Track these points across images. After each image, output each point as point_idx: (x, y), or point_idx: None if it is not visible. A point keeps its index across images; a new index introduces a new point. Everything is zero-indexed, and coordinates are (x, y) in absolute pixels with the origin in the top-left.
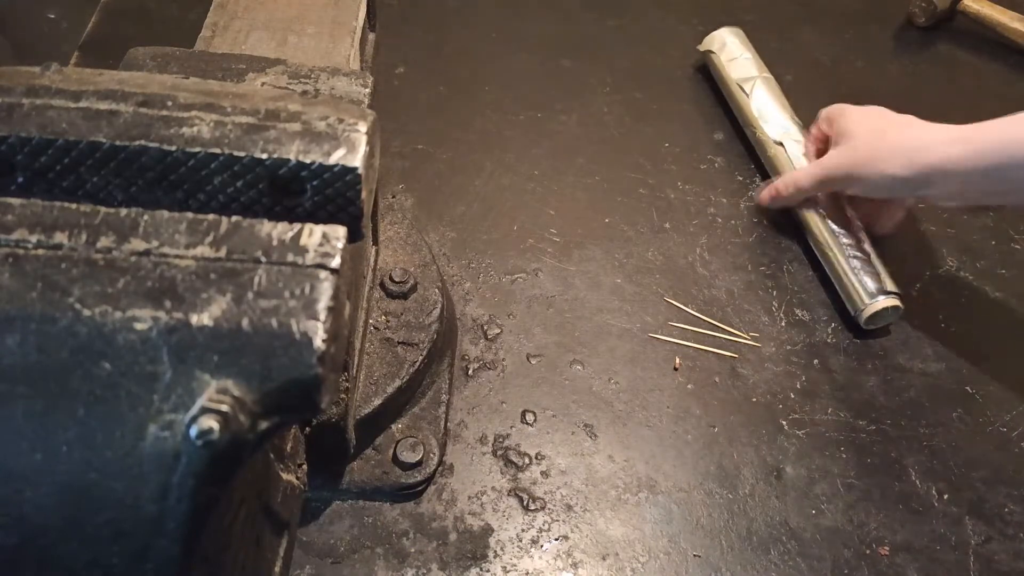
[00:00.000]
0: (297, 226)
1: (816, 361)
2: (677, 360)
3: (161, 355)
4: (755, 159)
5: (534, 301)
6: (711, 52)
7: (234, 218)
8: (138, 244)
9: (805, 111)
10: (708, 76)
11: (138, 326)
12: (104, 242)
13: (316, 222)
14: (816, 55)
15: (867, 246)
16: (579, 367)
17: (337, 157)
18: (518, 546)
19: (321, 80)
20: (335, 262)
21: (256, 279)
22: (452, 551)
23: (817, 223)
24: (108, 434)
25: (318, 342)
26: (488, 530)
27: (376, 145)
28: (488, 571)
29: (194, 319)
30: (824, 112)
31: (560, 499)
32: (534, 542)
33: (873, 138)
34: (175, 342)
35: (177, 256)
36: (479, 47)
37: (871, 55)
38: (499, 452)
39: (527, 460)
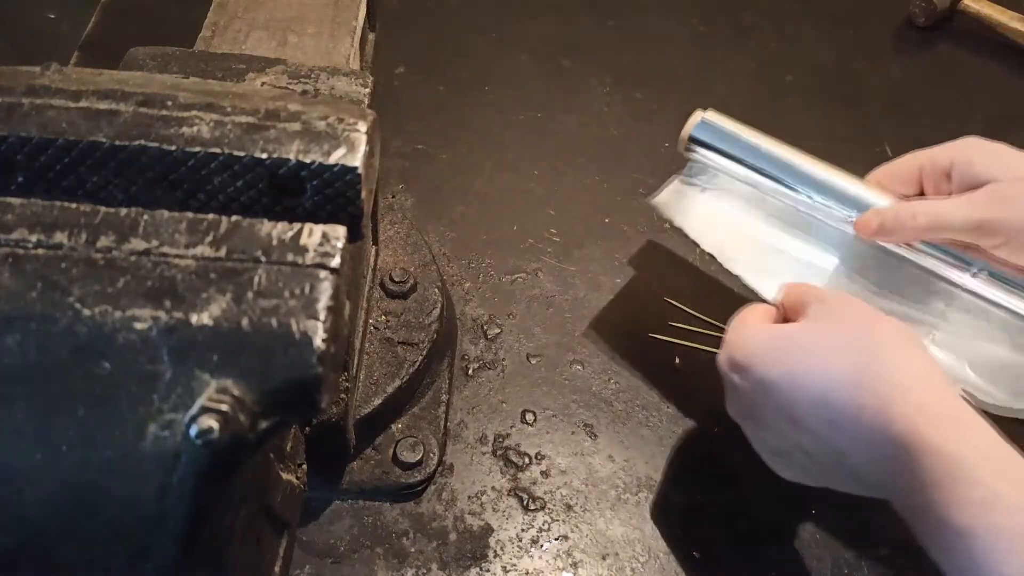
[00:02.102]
0: (297, 226)
1: None
2: (677, 360)
3: (161, 355)
4: None
5: (534, 301)
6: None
7: (234, 218)
8: (138, 244)
9: (805, 111)
10: (706, 76)
11: (138, 326)
12: (104, 242)
13: (316, 222)
14: (816, 55)
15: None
16: (579, 367)
17: (337, 157)
18: (518, 546)
19: (321, 80)
20: (335, 262)
21: (256, 279)
22: (452, 551)
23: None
24: (108, 434)
25: (318, 342)
26: (488, 530)
27: (376, 145)
28: (488, 571)
29: (194, 319)
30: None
31: (560, 499)
32: (534, 542)
33: None
34: (175, 342)
35: (177, 256)
36: (479, 47)
37: (871, 55)
38: (499, 452)
39: (527, 460)
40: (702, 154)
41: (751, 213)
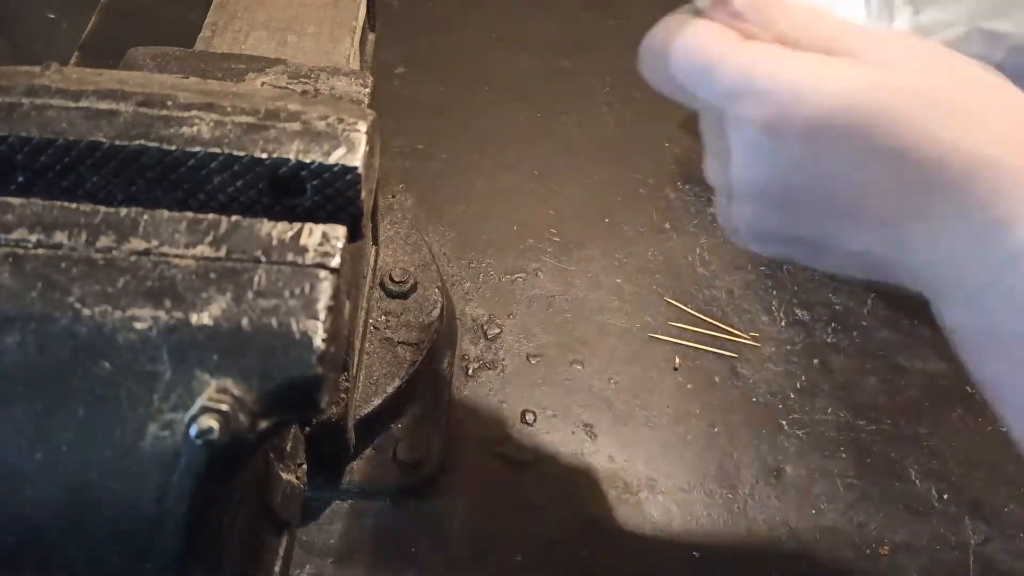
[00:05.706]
0: (297, 226)
1: (816, 361)
2: (677, 360)
3: (161, 354)
4: None
5: (534, 301)
6: None
7: (234, 218)
8: (138, 243)
9: None
10: None
11: (138, 325)
12: (104, 241)
13: (316, 222)
14: None
15: None
16: (579, 367)
17: (337, 157)
18: None
19: (321, 80)
20: (335, 261)
21: (256, 278)
22: (452, 551)
23: None
24: (108, 434)
25: (318, 341)
26: (488, 530)
27: (376, 145)
28: (488, 571)
29: (194, 318)
30: None
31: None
32: None
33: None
34: (175, 341)
35: (177, 255)
36: (479, 47)
37: None
38: (499, 452)
39: (527, 460)
40: None
41: None
